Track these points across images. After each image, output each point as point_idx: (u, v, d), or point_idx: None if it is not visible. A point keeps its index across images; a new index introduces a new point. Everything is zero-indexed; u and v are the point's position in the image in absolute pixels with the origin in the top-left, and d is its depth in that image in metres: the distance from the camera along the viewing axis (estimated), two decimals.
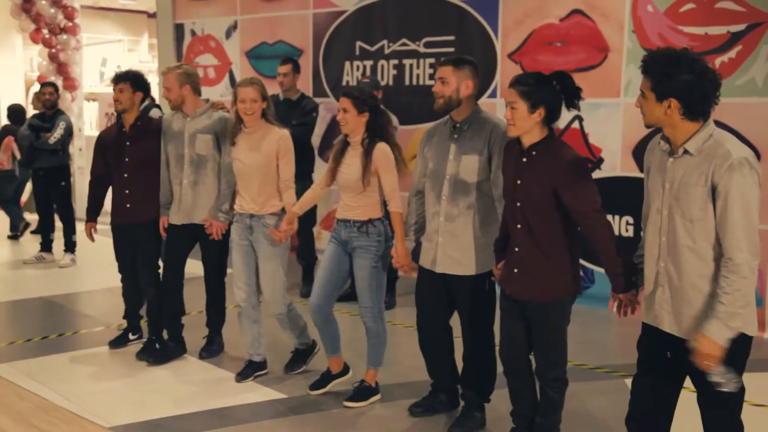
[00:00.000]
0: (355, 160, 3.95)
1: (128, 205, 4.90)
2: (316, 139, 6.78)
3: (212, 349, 4.94)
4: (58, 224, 7.73)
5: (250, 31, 8.39)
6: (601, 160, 6.11)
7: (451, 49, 6.79)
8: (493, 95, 6.63)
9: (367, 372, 4.19)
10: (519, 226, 3.18)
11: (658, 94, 2.58)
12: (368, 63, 7.37)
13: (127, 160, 4.86)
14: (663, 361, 2.78)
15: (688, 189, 2.58)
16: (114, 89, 4.85)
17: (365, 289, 4.02)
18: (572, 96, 3.10)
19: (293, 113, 6.15)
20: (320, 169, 7.57)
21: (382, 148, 3.93)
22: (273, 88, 6.45)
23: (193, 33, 9.00)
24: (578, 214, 3.06)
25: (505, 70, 6.51)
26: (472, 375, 3.78)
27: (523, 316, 3.26)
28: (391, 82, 7.19)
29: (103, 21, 13.30)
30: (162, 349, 4.89)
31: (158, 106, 7.00)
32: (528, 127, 3.10)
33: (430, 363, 3.93)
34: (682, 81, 2.53)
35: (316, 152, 6.78)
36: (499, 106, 6.55)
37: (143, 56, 13.54)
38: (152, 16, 12.79)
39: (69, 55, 10.32)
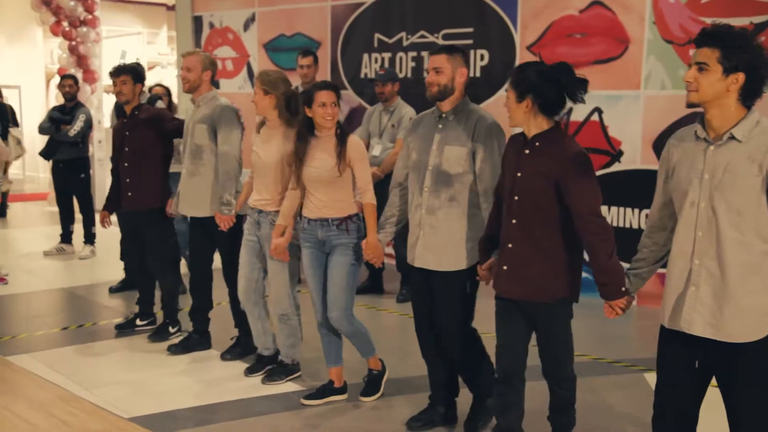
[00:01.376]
0: (324, 154, 3.85)
1: (129, 194, 5.06)
2: None
3: (236, 351, 4.77)
4: (78, 216, 7.79)
5: (268, 24, 8.39)
6: (620, 153, 6.05)
7: (470, 41, 6.75)
8: None
9: (369, 362, 4.13)
10: (514, 221, 3.01)
11: (727, 66, 2.39)
12: (386, 55, 7.34)
13: (126, 149, 5.03)
14: (691, 371, 2.60)
15: (737, 179, 2.40)
16: (116, 82, 5.01)
17: (342, 289, 3.86)
18: (575, 89, 2.95)
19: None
20: None
21: (355, 140, 3.88)
22: (293, 81, 6.45)
23: (211, 25, 9.01)
24: (575, 215, 2.91)
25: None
26: (468, 374, 3.70)
27: (521, 319, 3.09)
28: (409, 74, 7.16)
29: (122, 13, 13.36)
30: (185, 339, 4.93)
31: (160, 98, 7.01)
32: (519, 118, 3.00)
33: (428, 369, 3.80)
34: (753, 55, 2.39)
35: None
36: None
37: (162, 48, 13.58)
38: (171, 8, 12.82)
39: (89, 47, 10.38)
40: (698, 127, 2.51)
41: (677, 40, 5.71)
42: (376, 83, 6.16)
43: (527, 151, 3.02)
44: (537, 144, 3.00)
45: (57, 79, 9.08)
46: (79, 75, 9.96)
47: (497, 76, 6.63)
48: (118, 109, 5.37)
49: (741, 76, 2.39)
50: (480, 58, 6.74)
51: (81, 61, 10.35)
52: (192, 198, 4.71)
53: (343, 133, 3.87)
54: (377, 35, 7.41)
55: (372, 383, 4.13)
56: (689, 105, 2.50)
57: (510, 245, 3.03)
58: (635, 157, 5.97)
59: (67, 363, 4.70)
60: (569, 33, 6.22)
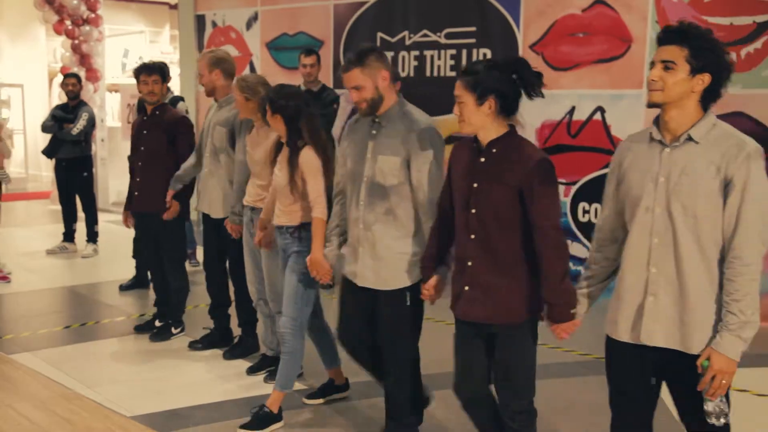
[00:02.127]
0: (284, 164, 3.75)
1: (136, 194, 5.04)
2: (336, 131, 6.77)
3: (236, 351, 4.76)
4: (81, 214, 7.80)
5: (270, 22, 8.39)
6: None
7: (472, 40, 6.75)
8: None
9: (272, 393, 3.78)
10: (473, 236, 2.74)
11: (695, 66, 2.28)
12: (389, 54, 7.34)
13: (142, 148, 5.00)
14: (645, 383, 2.48)
15: (694, 181, 2.28)
16: (147, 81, 4.91)
17: (291, 297, 3.74)
18: (532, 84, 2.71)
19: (314, 105, 6.14)
20: None
21: (305, 154, 3.68)
22: (295, 80, 6.48)
23: (214, 24, 9.01)
24: (537, 227, 2.66)
25: None
26: (394, 405, 3.40)
27: (482, 344, 2.84)
28: (411, 74, 7.16)
29: (124, 12, 13.36)
30: (208, 336, 4.97)
31: (182, 98, 7.04)
32: (480, 123, 2.71)
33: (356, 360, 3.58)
34: (719, 57, 2.29)
35: (337, 144, 6.77)
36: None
37: (165, 47, 13.57)
38: (174, 7, 12.82)
39: (91, 46, 10.39)
40: (653, 128, 2.40)
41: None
42: None
43: (483, 159, 2.74)
44: (494, 150, 2.73)
45: (60, 78, 9.08)
46: (82, 74, 9.97)
47: None
48: (141, 105, 5.34)
49: (707, 77, 2.29)
50: (483, 57, 6.74)
51: (84, 59, 10.36)
52: (209, 197, 4.73)
53: (295, 145, 3.70)
54: (379, 34, 7.41)
55: (260, 419, 3.73)
56: (650, 105, 2.37)
57: (470, 263, 2.77)
58: None
59: (70, 361, 4.70)
60: (572, 32, 6.21)
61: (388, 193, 3.16)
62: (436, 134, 3.19)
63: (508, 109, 2.72)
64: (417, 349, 3.38)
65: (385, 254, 3.20)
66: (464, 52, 6.85)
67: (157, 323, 5.22)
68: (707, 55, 2.28)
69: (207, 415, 3.95)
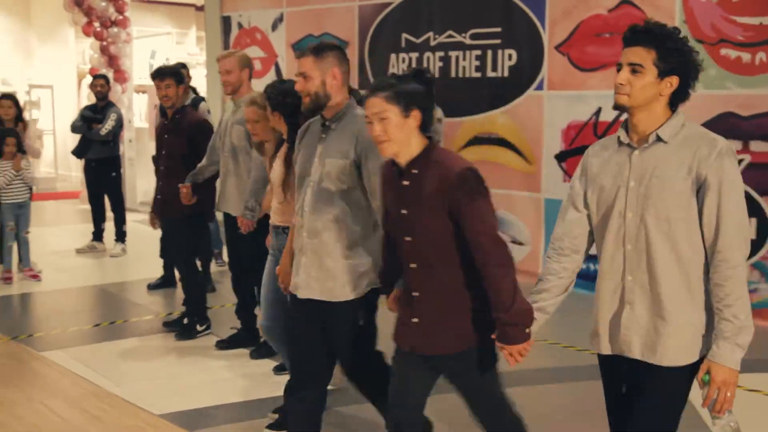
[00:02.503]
0: (281, 161, 3.69)
1: (158, 197, 5.08)
2: None
3: (262, 351, 4.75)
4: (110, 214, 7.91)
5: (295, 24, 8.44)
6: None
7: (498, 41, 6.75)
8: (539, 87, 6.56)
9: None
10: (413, 265, 2.51)
11: (662, 69, 2.18)
12: (414, 55, 7.36)
13: (163, 152, 5.06)
14: (620, 394, 2.40)
15: (665, 183, 2.18)
16: (160, 86, 4.97)
17: (278, 301, 3.56)
18: (432, 94, 2.55)
19: None
20: None
21: None
22: None
23: (239, 25, 9.09)
24: (474, 244, 2.40)
25: (553, 62, 6.45)
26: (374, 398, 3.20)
27: (426, 375, 2.63)
28: (436, 75, 7.17)
29: (152, 14, 13.50)
30: (234, 336, 5.03)
31: (203, 99, 7.11)
32: (405, 139, 2.46)
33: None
34: (688, 58, 2.19)
35: None
36: (546, 99, 6.49)
37: (191, 49, 13.70)
38: (200, 9, 12.93)
39: (119, 47, 10.52)
40: (622, 132, 2.30)
41: (708, 39, 5.65)
42: None
43: (406, 183, 2.50)
44: (414, 171, 2.48)
45: (89, 79, 9.21)
46: (110, 75, 10.09)
47: (525, 76, 6.62)
48: (162, 109, 5.40)
49: (675, 80, 2.20)
50: (508, 58, 6.73)
51: (112, 61, 10.49)
52: (229, 197, 4.77)
53: (293, 143, 3.51)
54: (404, 35, 7.42)
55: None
56: (616, 108, 2.27)
57: (415, 294, 2.54)
58: None
59: (99, 359, 4.78)
60: (598, 32, 6.18)
61: (335, 199, 2.95)
62: None
63: (426, 123, 2.51)
64: (375, 353, 3.15)
65: (331, 265, 2.97)
66: (489, 52, 6.85)
67: (185, 321, 5.29)
68: (675, 57, 2.18)
69: (233, 414, 4.00)
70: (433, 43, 7.21)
